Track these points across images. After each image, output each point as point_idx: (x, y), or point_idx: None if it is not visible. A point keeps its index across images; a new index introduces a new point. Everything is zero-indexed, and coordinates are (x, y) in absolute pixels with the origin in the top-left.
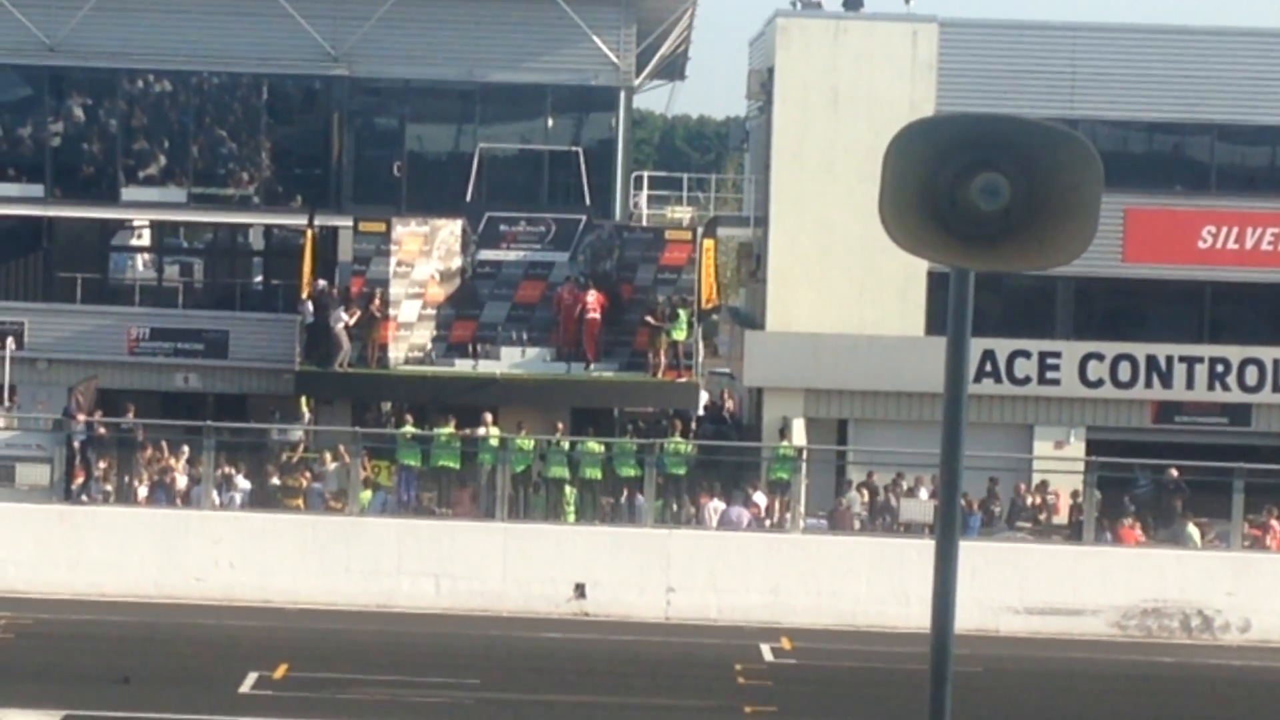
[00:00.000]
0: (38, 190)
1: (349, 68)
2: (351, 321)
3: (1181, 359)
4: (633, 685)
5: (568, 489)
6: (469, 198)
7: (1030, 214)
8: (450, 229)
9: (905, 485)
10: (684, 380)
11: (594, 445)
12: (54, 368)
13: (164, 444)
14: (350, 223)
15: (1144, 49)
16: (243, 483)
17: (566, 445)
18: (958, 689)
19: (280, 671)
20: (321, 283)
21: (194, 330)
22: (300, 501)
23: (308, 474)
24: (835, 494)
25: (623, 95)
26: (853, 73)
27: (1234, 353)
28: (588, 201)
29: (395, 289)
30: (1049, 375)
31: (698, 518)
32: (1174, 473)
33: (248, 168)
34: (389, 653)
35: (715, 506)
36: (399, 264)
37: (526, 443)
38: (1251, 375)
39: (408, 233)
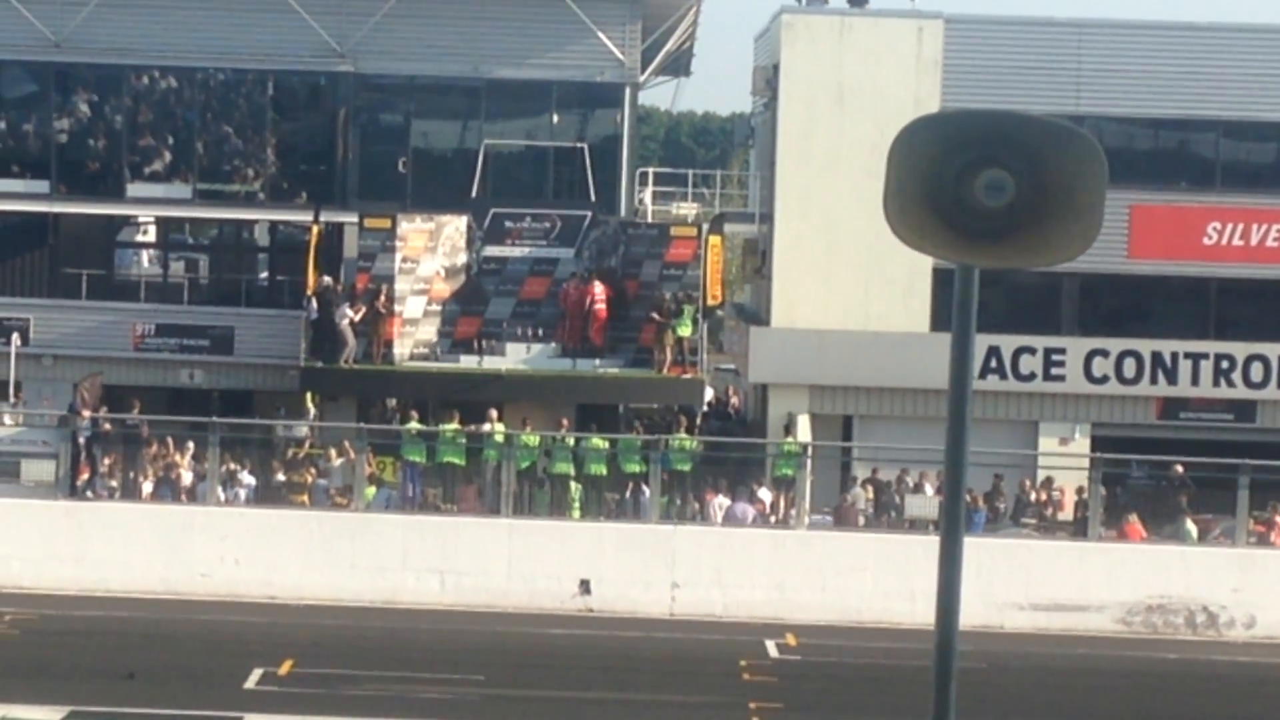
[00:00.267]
0: (43, 186)
1: (354, 64)
2: (357, 318)
3: (1187, 355)
4: (637, 682)
5: (573, 485)
6: (474, 194)
7: (1035, 210)
8: (455, 225)
9: (910, 481)
10: (689, 376)
11: (599, 441)
12: (59, 364)
13: (169, 440)
14: (356, 219)
15: (1149, 45)
16: (248, 479)
17: (571, 441)
18: (962, 685)
19: (285, 668)
20: (326, 279)
21: (199, 326)
22: (305, 498)
23: (313, 470)
24: (840, 490)
25: (628, 91)
26: (858, 69)
27: (1239, 349)
28: (593, 198)
29: (400, 285)
30: (1054, 371)
31: (703, 514)
32: (1179, 469)
33: (253, 164)
34: (394, 649)
35: (720, 503)
36: (404, 260)
37: (531, 439)
38: (1257, 371)
39: (413, 229)
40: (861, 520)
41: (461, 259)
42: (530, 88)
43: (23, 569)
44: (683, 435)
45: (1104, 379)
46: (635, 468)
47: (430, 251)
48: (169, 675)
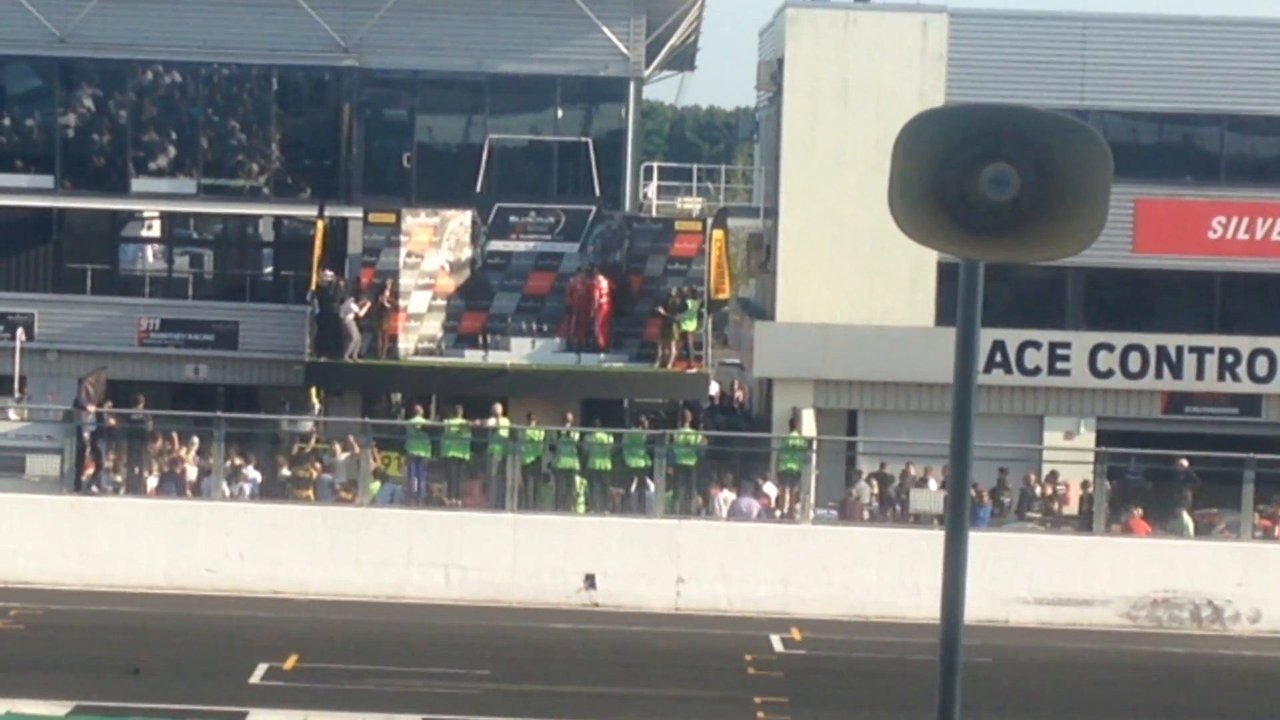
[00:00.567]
0: (48, 181)
1: (359, 59)
2: (361, 312)
3: (1192, 349)
4: (642, 676)
5: (577, 480)
6: (479, 189)
7: (1040, 204)
8: (460, 220)
9: (915, 475)
10: (694, 371)
11: (604, 436)
12: (64, 359)
13: (174, 435)
14: (360, 214)
15: (1154, 39)
16: (252, 473)
17: (576, 436)
18: (967, 679)
19: (290, 662)
20: (329, 274)
21: (204, 321)
22: (310, 492)
23: (318, 465)
24: (845, 484)
25: (632, 86)
26: (863, 64)
27: (1244, 343)
28: (597, 192)
29: (405, 280)
30: (1059, 366)
31: (707, 508)
32: (1184, 463)
33: (258, 159)
34: (398, 644)
35: (725, 497)
36: (409, 255)
37: (536, 433)
38: (1262, 365)
39: (417, 224)
40: (866, 515)
41: (466, 254)
42: (535, 82)
43: (28, 564)
44: (687, 430)
45: (1109, 373)
46: (640, 462)
47: (435, 246)
48: (174, 670)
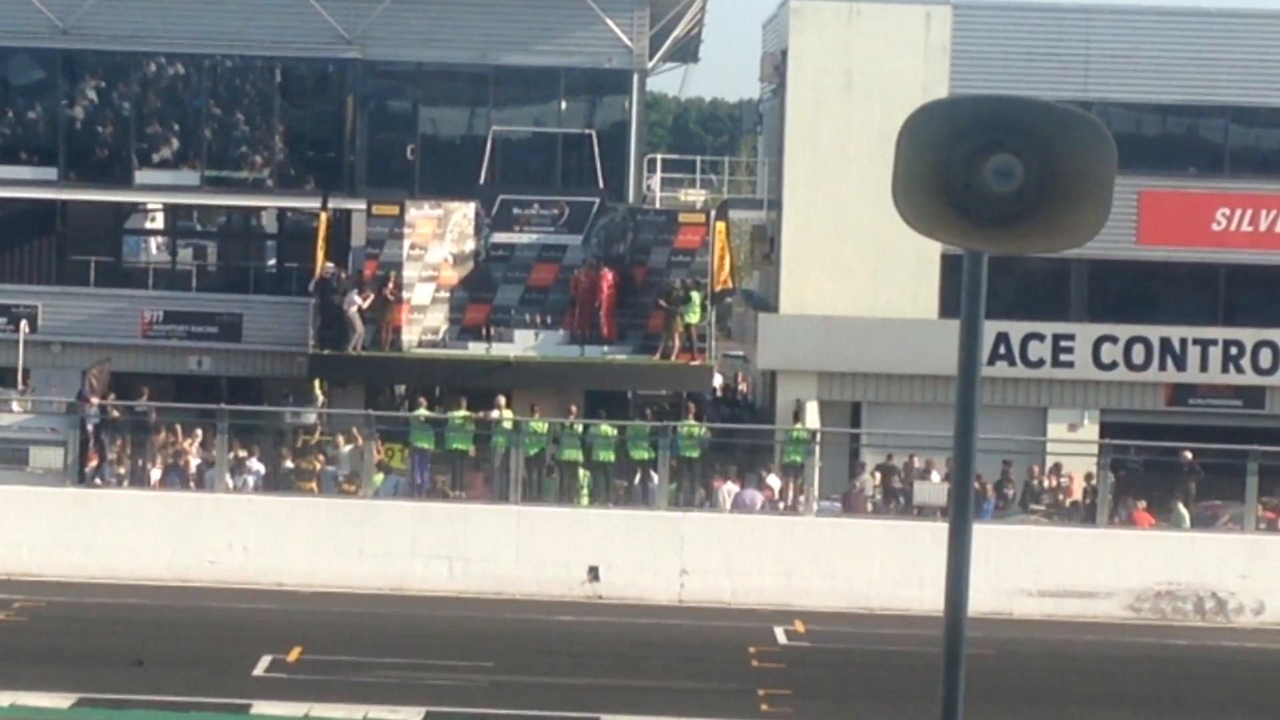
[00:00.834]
0: (51, 173)
1: (362, 51)
2: (365, 305)
3: (1195, 341)
4: (646, 668)
5: (581, 472)
6: (482, 180)
7: (1043, 196)
8: (464, 212)
9: (918, 467)
10: (697, 363)
11: (607, 428)
12: (67, 351)
13: (177, 427)
14: (364, 206)
15: (1158, 31)
16: (256, 465)
17: (580, 428)
18: (971, 671)
19: (294, 654)
20: (329, 266)
21: (207, 313)
22: (314, 484)
23: (321, 457)
24: (849, 477)
25: (636, 78)
26: (866, 55)
27: (1248, 335)
28: (601, 184)
29: (409, 272)
30: (1062, 358)
31: (711, 500)
32: (1188, 455)
33: (261, 151)
34: (402, 636)
35: (729, 489)
36: (412, 247)
37: (540, 425)
38: (1265, 358)
39: (421, 216)
40: (870, 507)
41: (469, 246)
42: (538, 74)
43: (31, 556)
44: (691, 422)
45: (1113, 365)
46: (644, 454)
47: (438, 238)
48: (177, 662)
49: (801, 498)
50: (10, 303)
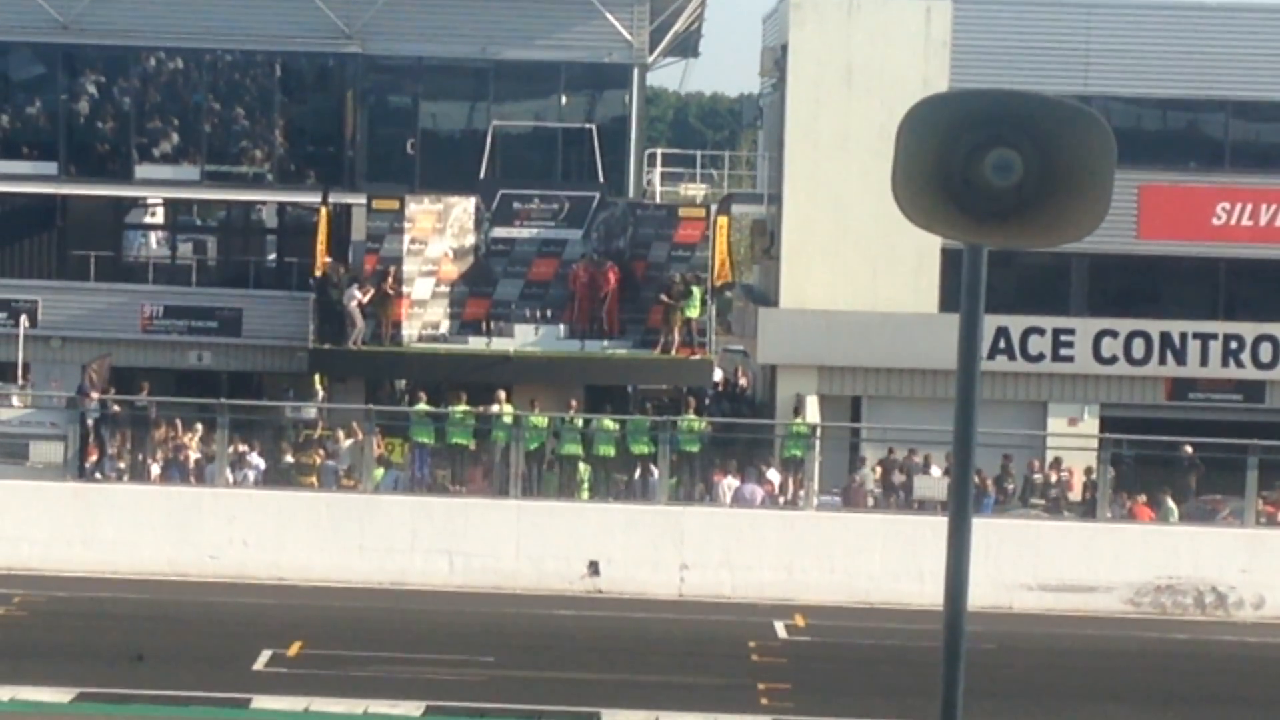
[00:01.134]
0: (51, 168)
1: (362, 45)
2: (365, 299)
3: (1196, 336)
4: (646, 663)
5: (581, 466)
6: (482, 175)
7: (1043, 190)
8: (464, 206)
9: (918, 461)
10: (698, 357)
11: (608, 422)
12: (68, 346)
13: (178, 422)
14: (364, 200)
15: (1158, 25)
16: (256, 460)
17: (580, 422)
18: (971, 666)
19: (294, 649)
20: (329, 261)
21: (207, 308)
22: (314, 479)
23: (321, 451)
24: (849, 471)
25: (636, 72)
26: (866, 49)
27: (1248, 329)
28: (601, 179)
29: (409, 266)
30: (1063, 352)
31: (711, 495)
32: (1188, 449)
33: (261, 145)
34: (402, 630)
35: (729, 484)
36: (412, 241)
37: (540, 420)
38: (1265, 352)
39: (421, 210)
40: (870, 501)
41: (470, 240)
42: (538, 69)
43: (31, 551)
44: (691, 416)
45: (1113, 359)
46: (644, 449)
47: (438, 233)
48: (178, 657)
49: (801, 492)
50: (10, 297)
